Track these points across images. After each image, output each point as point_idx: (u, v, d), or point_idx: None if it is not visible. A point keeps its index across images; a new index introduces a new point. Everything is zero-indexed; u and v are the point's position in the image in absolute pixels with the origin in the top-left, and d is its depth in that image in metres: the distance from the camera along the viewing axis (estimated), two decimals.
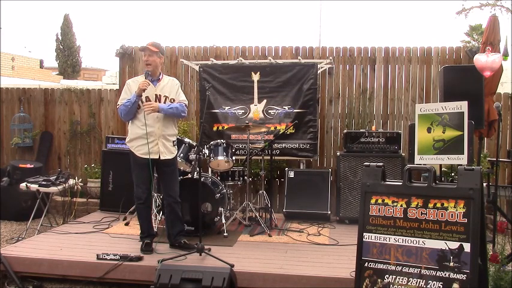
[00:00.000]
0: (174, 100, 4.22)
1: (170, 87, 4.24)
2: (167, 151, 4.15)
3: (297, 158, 6.00)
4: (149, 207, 4.40)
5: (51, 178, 5.34)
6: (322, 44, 10.32)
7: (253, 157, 5.61)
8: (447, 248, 2.61)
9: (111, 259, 3.84)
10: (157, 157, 4.10)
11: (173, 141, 4.22)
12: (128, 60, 6.85)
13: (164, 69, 6.51)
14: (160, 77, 4.23)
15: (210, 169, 5.18)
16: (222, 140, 5.10)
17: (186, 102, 4.31)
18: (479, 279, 2.54)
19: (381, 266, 2.79)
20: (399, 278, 2.71)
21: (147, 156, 4.07)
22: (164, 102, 4.15)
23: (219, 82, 5.97)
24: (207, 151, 4.96)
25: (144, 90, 4.00)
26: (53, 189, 5.25)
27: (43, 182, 5.24)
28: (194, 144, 4.96)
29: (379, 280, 2.76)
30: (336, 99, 6.37)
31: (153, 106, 4.05)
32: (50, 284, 3.90)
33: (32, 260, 3.95)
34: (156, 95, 4.12)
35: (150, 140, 4.06)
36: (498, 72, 4.59)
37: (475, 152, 4.76)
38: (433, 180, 2.74)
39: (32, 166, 6.38)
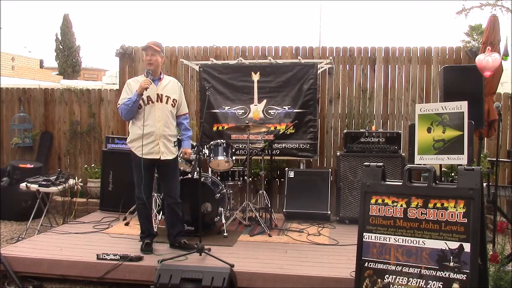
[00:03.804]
0: (176, 101, 4.23)
1: (172, 88, 4.25)
2: (168, 151, 4.15)
3: (297, 158, 6.00)
4: (149, 207, 4.40)
5: (51, 178, 5.34)
6: (322, 44, 10.31)
7: (253, 157, 5.61)
8: (447, 248, 2.61)
9: (111, 259, 3.84)
10: (158, 157, 4.10)
11: (174, 142, 4.22)
12: (128, 60, 6.85)
13: (164, 69, 6.50)
14: (161, 77, 4.23)
15: (210, 169, 5.18)
16: (222, 140, 5.10)
17: (188, 113, 4.44)
18: (479, 279, 2.54)
19: (380, 266, 2.79)
20: (399, 278, 2.71)
21: (148, 157, 4.07)
22: (166, 103, 4.15)
23: (219, 82, 5.97)
24: (207, 151, 4.96)
25: (146, 89, 3.99)
26: (53, 189, 5.25)
27: (43, 182, 5.23)
28: (194, 144, 4.95)
29: (379, 280, 2.76)
30: (336, 99, 6.37)
31: (189, 153, 4.33)
32: (50, 284, 3.90)
33: (32, 260, 3.95)
34: (157, 94, 4.12)
35: (151, 140, 4.07)
36: (498, 72, 4.59)
37: (475, 152, 4.76)
38: (433, 180, 2.74)
39: (32, 166, 6.38)
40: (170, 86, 4.25)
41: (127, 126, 6.75)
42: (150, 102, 4.08)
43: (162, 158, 4.10)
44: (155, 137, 4.07)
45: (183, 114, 4.35)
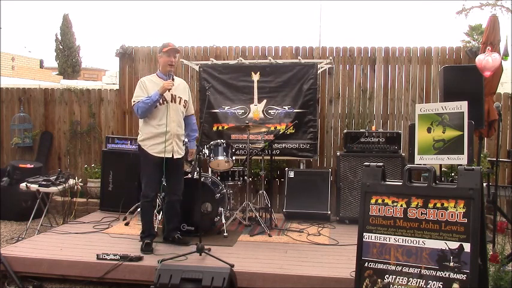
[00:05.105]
0: (187, 102, 4.33)
1: (183, 89, 4.35)
2: (180, 150, 4.25)
3: (297, 158, 6.00)
4: (154, 206, 4.45)
5: (51, 178, 5.34)
6: (322, 44, 10.30)
7: (253, 157, 5.61)
8: (447, 248, 2.61)
9: (111, 259, 3.84)
10: (171, 156, 4.14)
11: (183, 141, 4.33)
12: (128, 60, 6.85)
13: None
14: (172, 77, 4.27)
15: (210, 169, 5.18)
16: (222, 140, 5.10)
17: (194, 114, 4.56)
18: (479, 279, 2.54)
19: (380, 266, 2.79)
20: (399, 278, 2.71)
21: (161, 155, 4.12)
22: (179, 103, 4.24)
23: (219, 82, 5.97)
24: (207, 151, 4.97)
25: (169, 90, 4.09)
26: (53, 189, 5.25)
27: (43, 182, 5.23)
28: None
29: (379, 280, 2.76)
30: (336, 99, 6.37)
31: (192, 152, 4.53)
32: (50, 284, 3.90)
33: (32, 260, 3.95)
34: (172, 95, 4.19)
35: (165, 138, 4.11)
36: (498, 72, 4.59)
37: (475, 152, 4.76)
38: (433, 180, 2.74)
39: (32, 166, 6.37)
40: (181, 87, 4.34)
41: (127, 126, 6.81)
42: (165, 102, 4.13)
43: (175, 156, 4.17)
44: (169, 136, 4.12)
45: (191, 115, 4.46)
